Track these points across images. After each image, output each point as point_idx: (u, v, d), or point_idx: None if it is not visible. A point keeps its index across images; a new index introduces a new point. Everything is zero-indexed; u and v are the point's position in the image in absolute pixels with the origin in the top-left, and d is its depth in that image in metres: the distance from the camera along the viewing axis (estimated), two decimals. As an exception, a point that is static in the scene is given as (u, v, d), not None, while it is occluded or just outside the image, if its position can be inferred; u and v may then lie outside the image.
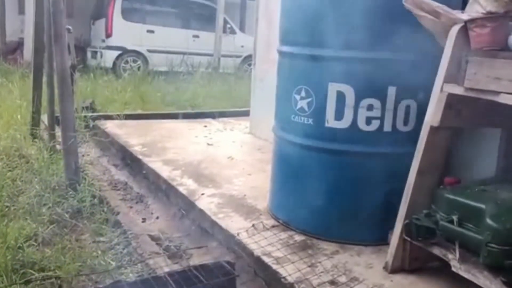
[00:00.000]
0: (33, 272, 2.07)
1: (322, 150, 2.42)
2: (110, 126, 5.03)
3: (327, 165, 2.44)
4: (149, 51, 10.26)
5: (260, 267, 2.26)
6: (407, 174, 2.12)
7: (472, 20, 1.90)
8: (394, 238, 2.13)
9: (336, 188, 2.43)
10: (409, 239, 2.06)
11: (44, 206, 2.80)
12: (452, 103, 1.97)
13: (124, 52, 10.10)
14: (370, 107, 2.27)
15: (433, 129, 2.02)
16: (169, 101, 6.84)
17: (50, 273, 1.97)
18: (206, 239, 2.69)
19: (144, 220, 3.06)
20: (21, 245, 2.33)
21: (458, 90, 1.92)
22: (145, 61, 10.28)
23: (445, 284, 2.04)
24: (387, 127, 2.31)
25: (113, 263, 2.20)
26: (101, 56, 10.04)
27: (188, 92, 7.44)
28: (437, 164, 2.14)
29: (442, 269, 2.07)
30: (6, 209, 2.70)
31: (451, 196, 1.96)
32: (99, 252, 2.34)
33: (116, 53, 10.02)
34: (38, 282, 1.97)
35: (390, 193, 2.29)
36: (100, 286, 1.26)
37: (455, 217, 1.88)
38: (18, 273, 2.09)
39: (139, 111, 6.05)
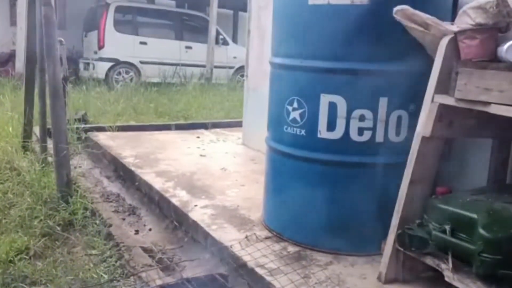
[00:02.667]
0: (25, 286, 2.04)
1: (314, 161, 2.43)
2: (103, 138, 5.01)
3: (319, 175, 2.44)
4: (142, 62, 10.27)
5: (253, 279, 2.25)
6: (400, 184, 2.13)
7: (462, 32, 1.93)
8: (387, 248, 2.13)
9: (329, 199, 2.43)
10: (402, 249, 2.07)
11: (35, 219, 2.77)
12: (443, 113, 2.00)
13: (117, 63, 10.10)
14: (362, 118, 2.29)
15: (424, 140, 2.04)
16: (161, 112, 6.83)
17: (41, 287, 1.94)
18: (199, 250, 2.68)
19: (137, 232, 3.04)
20: (12, 259, 2.30)
21: (449, 100, 1.94)
22: (138, 72, 10.29)
23: (439, 293, 2.04)
24: (379, 138, 2.32)
25: (106, 276, 2.18)
26: (94, 68, 10.03)
27: (181, 103, 7.45)
28: (429, 174, 2.16)
29: (436, 279, 2.07)
30: (-3, 222, 2.67)
31: (443, 206, 1.97)
32: (91, 265, 2.32)
33: (108, 64, 10.02)
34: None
35: (383, 203, 2.30)
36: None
37: (447, 227, 1.89)
38: (9, 287, 2.06)
39: (132, 123, 6.03)
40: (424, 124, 2.02)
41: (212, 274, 1.40)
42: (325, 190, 2.43)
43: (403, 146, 2.23)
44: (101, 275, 2.21)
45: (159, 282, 1.76)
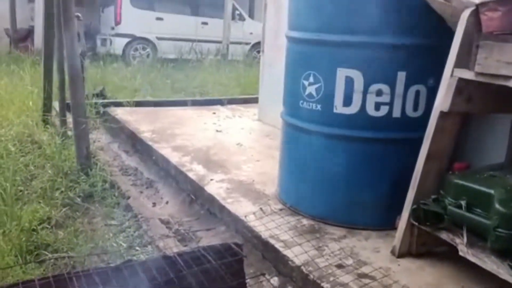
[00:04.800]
0: (47, 253, 2.12)
1: (330, 136, 2.43)
2: (120, 113, 5.07)
3: (335, 150, 2.44)
4: (158, 38, 10.26)
5: (267, 250, 2.29)
6: (416, 159, 2.12)
7: (484, 4, 1.88)
8: (402, 223, 2.14)
9: (344, 174, 2.44)
10: (416, 224, 2.07)
11: (56, 190, 2.85)
12: (462, 88, 1.97)
13: (133, 39, 10.11)
14: (379, 93, 2.27)
15: (442, 115, 2.02)
16: (178, 88, 6.86)
17: (63, 254, 2.02)
18: (215, 223, 2.73)
19: (154, 204, 3.11)
20: (35, 228, 2.38)
21: (468, 75, 1.91)
22: (154, 48, 10.29)
23: (452, 268, 2.05)
24: (396, 113, 2.30)
25: (124, 245, 2.24)
26: (111, 44, 10.06)
27: (197, 79, 7.45)
28: (446, 149, 2.14)
29: (449, 254, 2.08)
30: (20, 193, 2.75)
31: (460, 181, 1.96)
32: (111, 234, 2.39)
33: (125, 40, 10.04)
34: (52, 262, 2.02)
35: (398, 179, 2.30)
36: (112, 265, 1.29)
37: (463, 202, 1.89)
38: (32, 254, 2.14)
39: (149, 98, 6.08)
40: (443, 98, 2.00)
41: (228, 243, 1.43)
42: (340, 165, 2.44)
43: (421, 121, 2.21)
44: (120, 244, 2.28)
45: (175, 250, 1.81)
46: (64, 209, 2.64)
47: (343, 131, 2.38)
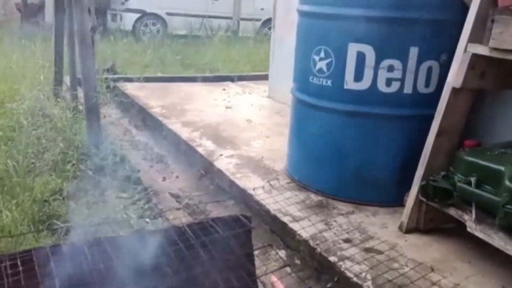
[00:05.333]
0: (58, 223, 2.17)
1: (340, 112, 2.42)
2: (130, 88, 5.08)
3: (345, 127, 2.43)
4: (168, 14, 10.16)
5: (275, 224, 2.32)
6: (426, 136, 2.11)
7: (501, -23, 1.83)
8: (410, 199, 2.14)
9: (353, 150, 2.43)
10: (425, 200, 2.08)
11: (68, 163, 2.88)
12: (476, 64, 1.94)
13: (144, 15, 10.03)
14: (390, 68, 2.24)
15: (455, 91, 2.00)
16: (188, 64, 6.82)
17: (75, 224, 2.06)
18: (224, 197, 2.76)
19: (164, 179, 3.14)
20: (47, 199, 2.42)
21: (482, 50, 1.87)
22: (164, 24, 10.20)
23: (459, 245, 2.06)
24: (408, 89, 2.28)
25: (135, 217, 2.28)
26: (121, 19, 9.99)
27: (207, 55, 7.40)
28: (457, 126, 2.12)
29: (457, 231, 2.09)
30: (32, 165, 2.79)
31: (470, 158, 1.95)
32: (122, 207, 2.43)
33: (135, 16, 9.95)
34: (64, 232, 2.06)
35: (408, 156, 2.29)
36: (123, 235, 1.32)
37: (473, 179, 1.88)
38: (44, 224, 2.19)
39: (159, 74, 6.07)
40: (456, 74, 1.97)
41: (236, 215, 1.44)
42: (350, 141, 2.43)
43: (432, 98, 2.19)
44: (131, 216, 2.32)
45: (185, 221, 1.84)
46: (75, 182, 2.67)
47: (353, 107, 2.37)
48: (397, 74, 2.25)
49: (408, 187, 2.19)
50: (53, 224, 2.15)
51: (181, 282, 1.16)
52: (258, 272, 1.39)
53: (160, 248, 1.26)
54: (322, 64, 2.41)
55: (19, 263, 1.13)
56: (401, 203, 2.27)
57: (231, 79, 5.94)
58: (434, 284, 1.77)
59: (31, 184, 2.49)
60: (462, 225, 1.92)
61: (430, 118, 2.09)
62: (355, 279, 1.81)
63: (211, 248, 1.27)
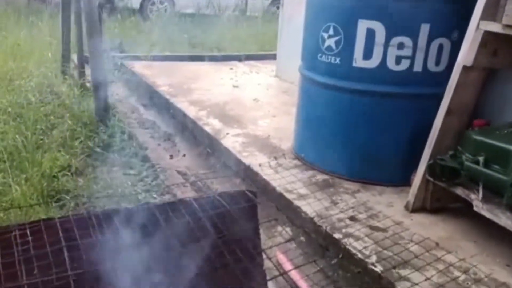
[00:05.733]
0: (67, 197, 2.19)
1: (348, 90, 2.39)
2: (138, 67, 5.06)
3: (353, 105, 2.41)
4: (176, -8, 10.05)
5: (281, 202, 2.33)
6: (435, 116, 2.09)
7: (516, -49, 1.78)
8: (417, 178, 2.14)
9: (361, 129, 2.42)
10: (432, 179, 2.07)
11: (76, 139, 2.90)
12: (488, 41, 1.90)
13: (151, -8, 9.93)
14: (400, 46, 2.21)
15: (465, 69, 1.97)
16: (195, 43, 6.78)
17: (84, 199, 2.08)
18: (230, 175, 2.77)
19: (171, 157, 3.15)
20: (55, 175, 2.45)
21: (495, 27, 1.84)
22: (172, 2, 10.10)
23: (465, 224, 2.06)
24: (417, 67, 2.25)
25: (142, 193, 2.30)
26: (128, -3, 9.90)
27: (215, 34, 7.33)
28: (467, 105, 2.10)
29: (463, 211, 2.08)
30: (41, 141, 2.81)
31: (479, 137, 1.93)
32: (129, 183, 2.45)
33: (143, -6, 9.86)
34: (72, 206, 2.09)
35: (416, 135, 2.27)
36: (130, 207, 1.33)
37: (481, 158, 1.87)
38: (53, 198, 2.21)
39: (166, 53, 6.03)
40: (467, 52, 1.94)
41: (242, 190, 1.45)
42: (357, 120, 2.42)
43: (442, 76, 2.16)
44: (138, 192, 2.34)
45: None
46: (83, 158, 2.69)
47: (362, 85, 2.34)
48: (407, 51, 2.22)
49: (415, 167, 2.18)
50: (62, 199, 2.18)
51: (188, 254, 1.18)
52: (263, 246, 1.40)
53: (167, 220, 1.27)
54: (331, 42, 2.38)
55: (28, 232, 1.15)
56: (408, 183, 2.26)
57: (238, 58, 5.90)
58: (438, 259, 1.78)
59: (39, 159, 2.51)
60: (469, 205, 1.92)
61: (440, 97, 2.07)
62: (359, 255, 1.82)
63: (217, 222, 1.29)
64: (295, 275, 1.74)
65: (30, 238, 1.13)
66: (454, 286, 1.64)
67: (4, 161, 2.40)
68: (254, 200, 1.43)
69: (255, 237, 1.35)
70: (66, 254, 1.11)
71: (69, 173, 2.49)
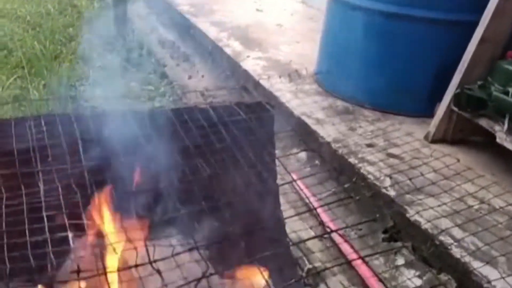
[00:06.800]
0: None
1: (376, 13, 2.26)
2: (158, -16, 4.89)
3: (380, 30, 2.29)
4: None
5: (299, 126, 2.30)
6: (467, 45, 1.97)
7: None
8: (441, 108, 2.07)
9: (387, 56, 2.32)
10: (457, 109, 2.00)
11: (94, 52, 2.86)
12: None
13: None
14: (440, -34, 2.05)
15: (505, -5, 1.82)
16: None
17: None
18: (249, 98, 2.73)
19: (190, 77, 3.11)
20: (73, 84, 2.44)
21: None
22: None
23: (485, 157, 2.01)
24: (456, -9, 2.10)
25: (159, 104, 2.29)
26: None
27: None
28: (502, 34, 1.97)
29: (484, 144, 2.03)
30: (59, 51, 2.78)
31: (511, 67, 1.83)
32: (147, 97, 2.43)
33: None
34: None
35: (444, 65, 2.17)
36: (147, 110, 1.32)
37: (511, 89, 1.78)
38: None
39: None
40: (510, -26, 1.79)
41: (259, 101, 1.42)
42: (384, 46, 2.31)
43: (479, 2, 2.01)
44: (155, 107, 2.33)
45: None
46: (101, 70, 2.67)
47: (391, 7, 2.21)
48: (445, -27, 2.06)
49: (439, 99, 2.10)
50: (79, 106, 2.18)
51: (201, 156, 1.17)
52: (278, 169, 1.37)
53: (183, 124, 1.26)
54: (364, -41, 2.22)
55: (42, 123, 1.15)
56: (430, 114, 2.19)
57: (263, -18, 5.63)
58: (454, 187, 1.76)
59: (57, 68, 2.49)
60: (491, 138, 1.86)
61: (475, 25, 1.94)
62: (373, 179, 1.81)
63: (233, 128, 1.26)
64: (306, 192, 1.75)
65: (44, 128, 1.13)
66: (468, 214, 1.62)
67: (23, 67, 2.39)
68: (271, 110, 1.40)
69: (270, 145, 1.33)
70: (81, 146, 1.11)
71: (86, 83, 2.48)
